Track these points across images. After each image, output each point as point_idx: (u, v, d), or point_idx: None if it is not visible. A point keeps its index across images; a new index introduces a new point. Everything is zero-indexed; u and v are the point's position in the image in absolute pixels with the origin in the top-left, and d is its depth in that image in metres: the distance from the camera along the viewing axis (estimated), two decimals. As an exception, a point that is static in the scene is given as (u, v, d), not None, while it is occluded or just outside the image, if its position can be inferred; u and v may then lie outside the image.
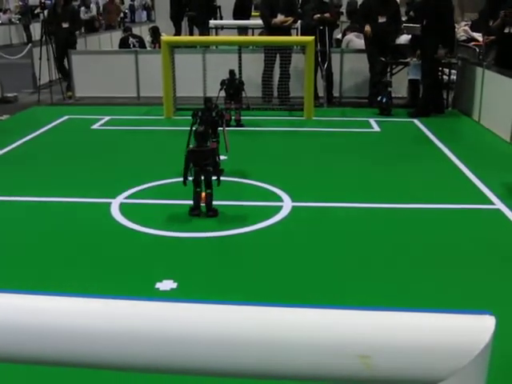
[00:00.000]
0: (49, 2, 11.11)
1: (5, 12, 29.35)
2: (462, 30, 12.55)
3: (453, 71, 9.92)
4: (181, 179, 5.15)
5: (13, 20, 26.53)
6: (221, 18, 16.76)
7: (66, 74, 11.11)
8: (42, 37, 10.97)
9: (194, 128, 5.76)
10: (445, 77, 10.05)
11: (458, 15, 21.01)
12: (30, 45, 12.48)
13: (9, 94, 11.00)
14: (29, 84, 12.00)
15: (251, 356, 1.21)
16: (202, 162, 5.07)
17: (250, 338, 1.21)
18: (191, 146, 5.25)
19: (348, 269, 4.26)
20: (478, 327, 1.17)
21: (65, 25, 10.87)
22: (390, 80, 9.45)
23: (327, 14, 9.92)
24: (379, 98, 9.26)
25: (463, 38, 11.88)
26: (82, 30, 16.00)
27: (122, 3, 34.69)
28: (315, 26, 9.78)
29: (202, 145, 5.11)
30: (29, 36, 22.65)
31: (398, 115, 9.25)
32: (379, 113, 9.26)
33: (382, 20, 9.61)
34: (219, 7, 17.32)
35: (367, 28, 9.64)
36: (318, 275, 4.17)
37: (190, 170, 5.11)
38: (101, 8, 19.04)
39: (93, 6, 18.45)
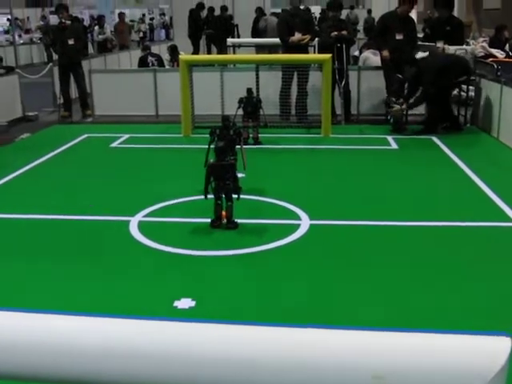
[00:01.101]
0: (69, 22, 11.26)
1: (26, 32, 29.86)
2: (480, 46, 12.52)
3: (471, 87, 9.89)
4: (199, 197, 5.21)
5: (34, 39, 26.93)
6: (238, 37, 16.92)
7: (66, 99, 11.17)
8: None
9: (211, 146, 5.83)
10: (463, 93, 10.03)
11: (476, 31, 20.99)
12: (50, 64, 12.65)
13: (30, 113, 11.15)
14: (49, 103, 12.16)
15: (264, 376, 1.22)
16: (221, 176, 5.19)
17: (263, 358, 1.22)
18: (211, 160, 5.34)
19: (366, 288, 4.25)
20: (494, 349, 1.17)
21: (70, 42, 11.00)
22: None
23: (344, 32, 9.97)
24: (389, 117, 9.28)
25: (481, 54, 11.85)
26: (91, 49, 16.04)
27: (143, 22, 34.79)
28: (332, 43, 9.82)
29: (221, 159, 5.23)
30: (49, 55, 22.95)
31: (416, 132, 9.22)
32: (391, 130, 9.27)
33: (399, 37, 9.63)
34: (236, 25, 17.50)
35: (385, 53, 9.66)
36: (335, 295, 4.16)
37: (210, 184, 5.21)
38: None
39: (107, 26, 18.21)
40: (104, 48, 17.27)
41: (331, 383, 1.22)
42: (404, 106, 9.00)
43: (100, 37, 17.62)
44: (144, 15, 37.36)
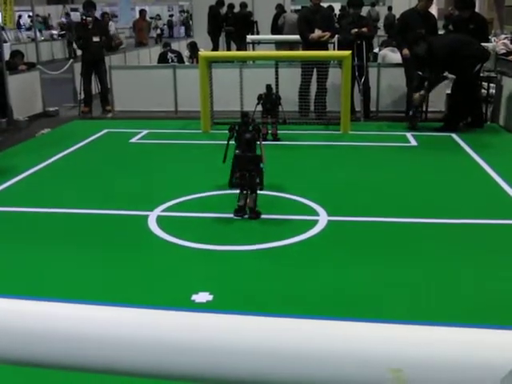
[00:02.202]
0: (90, 18, 11.32)
1: (48, 28, 30.13)
2: (502, 43, 12.43)
3: (491, 85, 9.81)
4: (218, 192, 5.25)
5: (54, 36, 27.14)
6: (257, 33, 16.88)
7: (88, 95, 11.26)
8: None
9: (231, 142, 5.88)
10: (483, 90, 9.94)
11: (498, 28, 20.78)
12: (71, 60, 12.76)
13: (50, 108, 11.25)
14: (70, 98, 12.26)
15: (282, 368, 1.22)
16: (247, 168, 5.34)
17: (281, 350, 1.22)
18: (237, 151, 5.46)
19: (386, 284, 4.23)
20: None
21: (95, 39, 11.07)
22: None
23: (365, 29, 9.92)
24: (411, 112, 9.25)
25: (502, 51, 11.75)
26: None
27: (160, 19, 34.62)
28: (352, 40, 9.78)
29: (247, 151, 5.38)
30: (71, 51, 23.13)
31: (436, 129, 9.16)
32: (408, 127, 9.24)
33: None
34: (256, 22, 17.46)
35: (405, 51, 9.59)
36: (352, 290, 4.16)
37: (235, 175, 5.39)
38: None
39: (111, 24, 17.09)
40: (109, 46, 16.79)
41: (348, 375, 1.22)
42: (423, 92, 8.92)
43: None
44: (158, 15, 36.97)
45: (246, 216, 5.47)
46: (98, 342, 1.27)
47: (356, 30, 9.81)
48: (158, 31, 31.93)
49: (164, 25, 36.03)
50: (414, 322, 3.58)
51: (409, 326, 1.25)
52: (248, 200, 5.45)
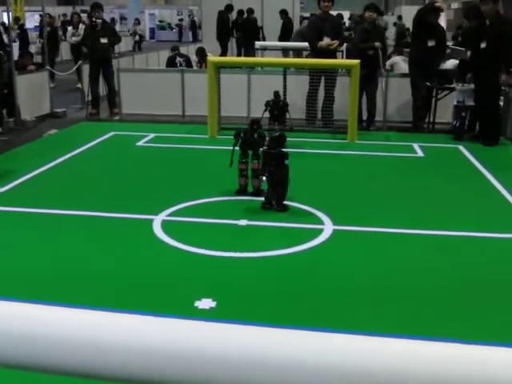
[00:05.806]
0: (99, 20, 11.35)
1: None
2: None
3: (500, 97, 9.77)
4: (223, 198, 5.27)
5: (62, 38, 27.11)
6: (263, 39, 16.88)
7: (95, 96, 11.28)
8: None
9: (236, 148, 5.95)
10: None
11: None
12: (79, 62, 12.77)
13: (58, 110, 11.27)
14: (77, 100, 12.28)
15: (281, 380, 1.21)
16: (271, 162, 5.71)
17: (281, 362, 1.21)
18: (265, 148, 5.87)
19: (388, 297, 4.22)
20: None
21: (103, 40, 11.09)
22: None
23: (378, 43, 9.72)
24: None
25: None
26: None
27: (138, 23, 32.78)
28: (364, 49, 9.68)
29: (271, 148, 5.79)
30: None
31: (443, 141, 9.16)
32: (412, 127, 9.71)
33: (431, 44, 9.57)
34: (261, 28, 17.45)
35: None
36: (358, 301, 4.14)
37: (264, 169, 5.81)
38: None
39: (82, 27, 14.33)
40: (79, 52, 14.00)
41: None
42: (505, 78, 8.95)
43: (74, 39, 15.33)
44: (137, 19, 34.19)
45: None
46: (98, 348, 1.26)
47: (378, 43, 9.63)
48: (137, 38, 28.99)
49: (142, 30, 34.23)
50: (429, 337, 3.56)
51: (425, 342, 1.23)
52: (276, 195, 5.78)
